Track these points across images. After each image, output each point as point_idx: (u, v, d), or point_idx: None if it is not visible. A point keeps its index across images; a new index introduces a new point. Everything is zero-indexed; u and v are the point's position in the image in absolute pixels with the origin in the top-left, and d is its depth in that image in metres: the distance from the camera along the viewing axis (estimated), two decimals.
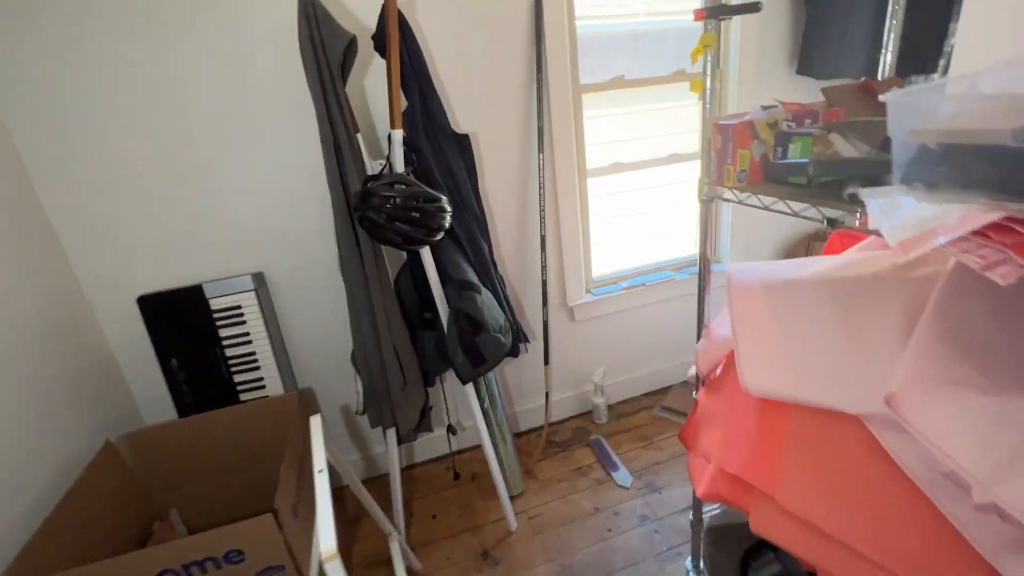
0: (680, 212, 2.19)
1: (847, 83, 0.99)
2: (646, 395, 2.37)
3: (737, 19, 1.93)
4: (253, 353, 1.54)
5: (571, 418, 2.27)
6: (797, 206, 0.78)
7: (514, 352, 1.72)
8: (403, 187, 1.19)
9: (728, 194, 0.92)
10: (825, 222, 0.74)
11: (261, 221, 1.58)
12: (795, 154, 0.84)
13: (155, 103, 1.40)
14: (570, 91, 1.79)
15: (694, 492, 1.30)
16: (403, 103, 1.43)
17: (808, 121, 0.89)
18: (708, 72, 0.91)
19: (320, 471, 0.92)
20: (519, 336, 1.68)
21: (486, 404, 1.75)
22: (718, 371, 1.10)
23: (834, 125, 0.83)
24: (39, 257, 1.33)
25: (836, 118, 0.90)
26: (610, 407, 2.29)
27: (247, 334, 1.52)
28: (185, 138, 1.45)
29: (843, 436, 0.74)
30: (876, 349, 0.73)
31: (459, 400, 2.07)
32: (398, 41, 1.25)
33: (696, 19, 0.89)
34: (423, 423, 1.56)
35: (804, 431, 0.78)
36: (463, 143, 1.54)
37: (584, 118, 1.89)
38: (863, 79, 0.99)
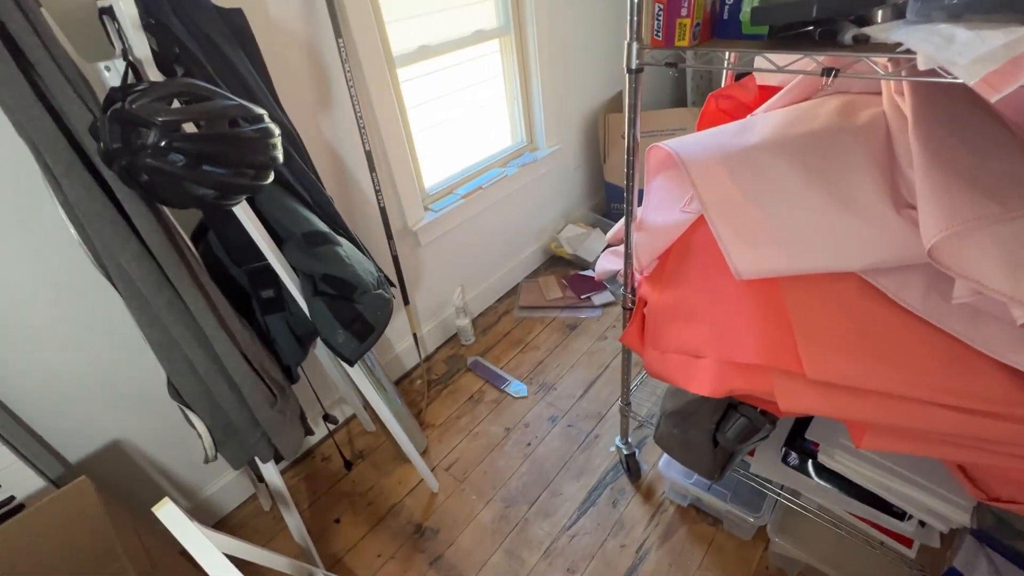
0: (489, 100, 1.99)
1: None
2: (499, 300, 2.31)
3: None
4: None
5: (438, 349, 2.08)
6: (782, 60, 0.69)
7: None
8: (199, 102, 0.69)
9: (685, 55, 0.78)
10: (826, 73, 0.66)
11: None
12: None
13: None
14: None
15: (628, 375, 1.31)
16: None
17: None
18: None
19: None
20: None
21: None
22: (655, 263, 1.05)
23: None
24: None
25: None
26: (472, 323, 2.17)
27: None
28: None
29: (843, 293, 0.75)
30: (857, 203, 0.74)
31: (325, 376, 1.66)
32: None
33: None
34: (306, 429, 1.17)
35: (804, 299, 0.77)
36: (236, 23, 0.99)
37: None
38: None
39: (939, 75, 0.57)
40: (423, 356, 2.02)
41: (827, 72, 0.66)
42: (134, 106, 0.64)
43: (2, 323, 0.99)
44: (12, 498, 0.95)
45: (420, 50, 1.64)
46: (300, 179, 1.07)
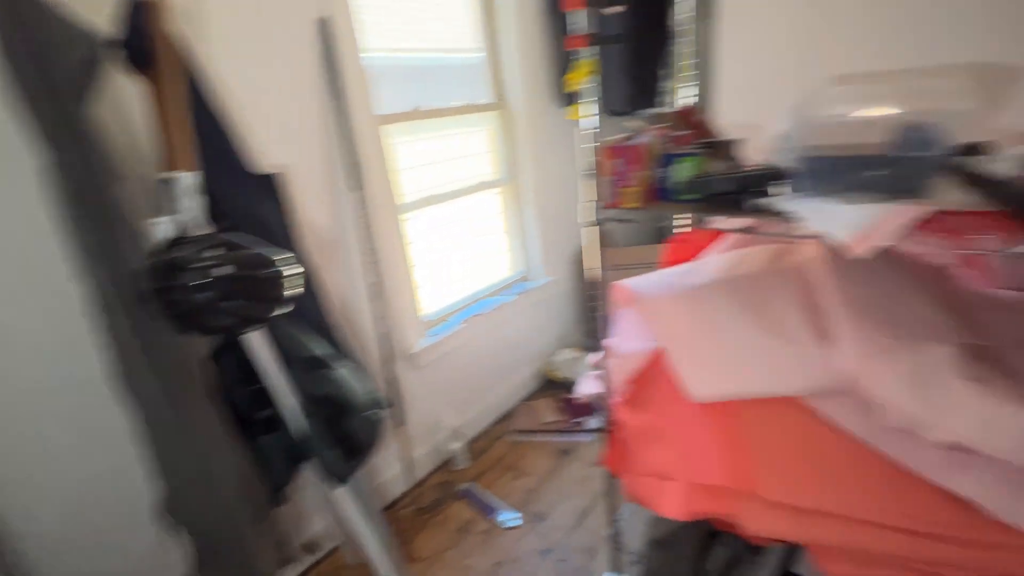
0: (487, 236, 2.24)
1: (671, 111, 1.14)
2: (495, 423, 2.32)
3: (515, 59, 2.08)
4: None
5: (430, 475, 2.05)
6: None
7: None
8: (231, 251, 0.85)
9: (627, 214, 0.95)
10: (745, 230, 0.81)
11: None
12: (681, 173, 0.91)
13: None
14: (373, 121, 1.62)
15: (613, 506, 1.30)
16: None
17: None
18: (588, 98, 0.92)
19: None
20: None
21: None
22: (627, 388, 1.12)
23: (706, 143, 0.93)
24: None
25: (689, 140, 1.02)
26: (467, 446, 2.16)
27: None
28: None
29: (792, 417, 0.82)
30: (791, 333, 0.84)
31: (308, 505, 1.64)
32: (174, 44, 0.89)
33: (571, 46, 0.89)
34: (284, 557, 1.16)
35: (759, 423, 0.84)
36: (268, 184, 1.22)
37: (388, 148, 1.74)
38: (681, 108, 1.16)
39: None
40: (414, 482, 1.99)
41: (745, 230, 0.82)
42: (180, 254, 0.79)
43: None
44: None
45: (426, 199, 1.91)
46: (311, 307, 1.21)
